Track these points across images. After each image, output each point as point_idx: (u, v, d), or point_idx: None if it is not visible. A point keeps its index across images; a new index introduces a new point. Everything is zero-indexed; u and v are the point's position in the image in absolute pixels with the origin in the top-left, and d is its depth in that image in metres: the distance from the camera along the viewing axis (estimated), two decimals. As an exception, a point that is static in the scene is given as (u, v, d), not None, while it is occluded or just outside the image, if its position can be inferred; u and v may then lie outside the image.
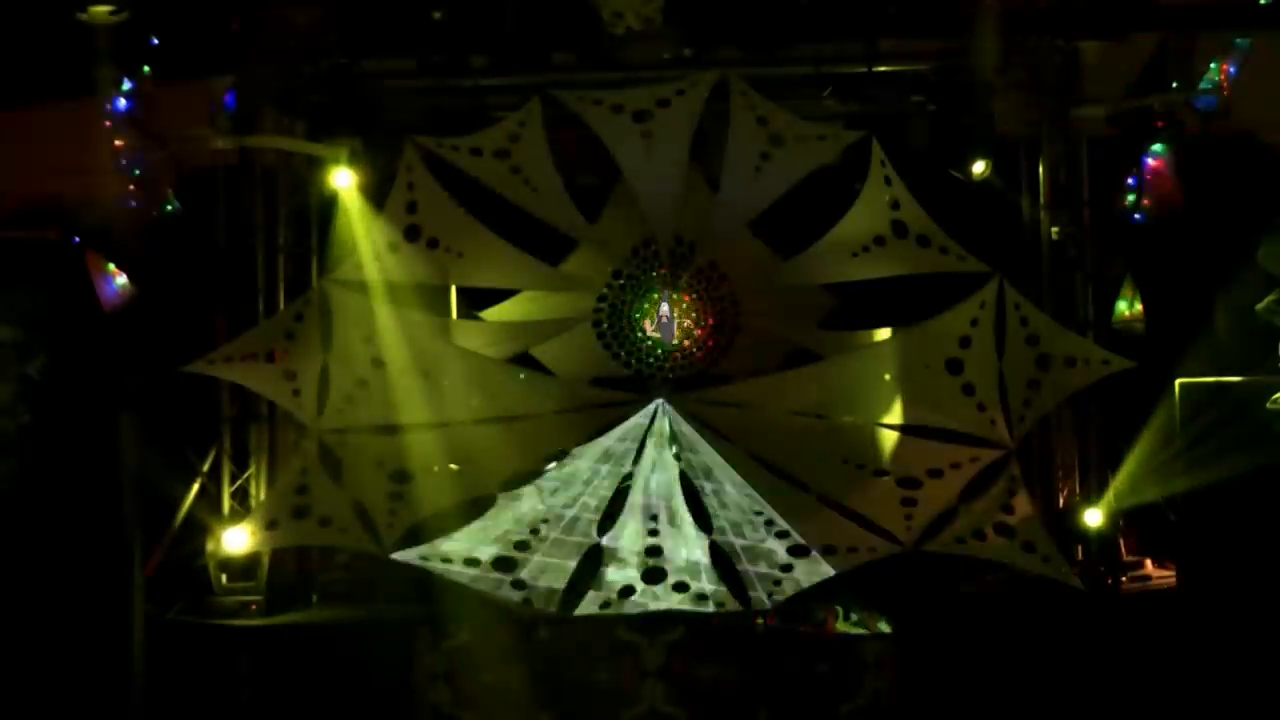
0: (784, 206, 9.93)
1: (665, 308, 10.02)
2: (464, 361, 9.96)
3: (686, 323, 10.07)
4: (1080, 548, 9.95)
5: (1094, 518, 9.88)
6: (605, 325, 10.00)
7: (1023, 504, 9.54)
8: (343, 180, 10.01)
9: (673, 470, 9.83)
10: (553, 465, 9.92)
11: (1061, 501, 10.25)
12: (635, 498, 9.79)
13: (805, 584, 9.52)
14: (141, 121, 9.85)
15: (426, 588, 9.63)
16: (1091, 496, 10.12)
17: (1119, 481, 9.76)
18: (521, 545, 9.67)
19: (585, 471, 9.83)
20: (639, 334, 10.04)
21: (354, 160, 10.02)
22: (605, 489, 9.79)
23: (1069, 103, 10.21)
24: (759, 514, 9.72)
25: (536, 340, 10.26)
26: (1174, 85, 10.01)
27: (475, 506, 9.83)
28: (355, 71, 10.22)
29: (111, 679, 9.01)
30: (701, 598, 9.53)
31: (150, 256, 10.05)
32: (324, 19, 9.96)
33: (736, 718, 9.12)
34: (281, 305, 10.40)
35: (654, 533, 9.71)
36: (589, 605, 9.48)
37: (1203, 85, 9.83)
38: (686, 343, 10.07)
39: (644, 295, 10.07)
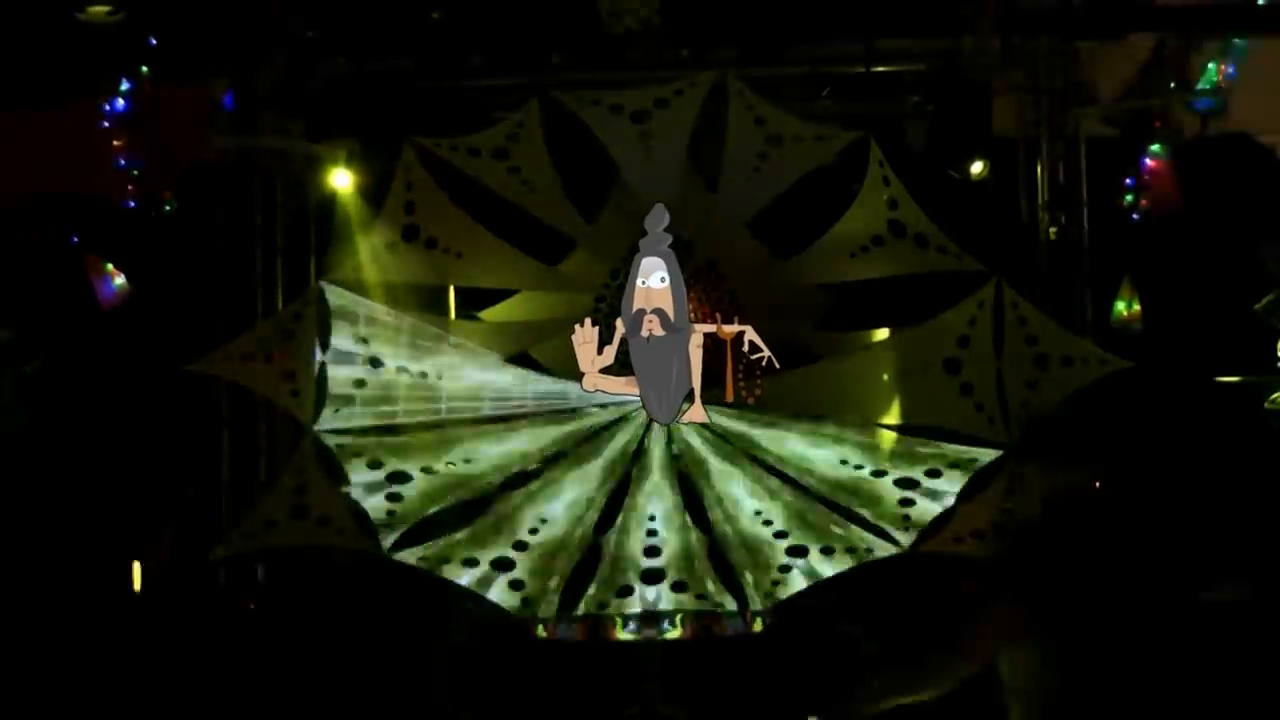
0: (782, 206, 9.94)
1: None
2: (463, 361, 9.97)
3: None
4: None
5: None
6: (604, 325, 10.00)
7: (1021, 504, 9.54)
8: (341, 181, 10.03)
9: (672, 470, 9.82)
10: (552, 465, 9.91)
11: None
12: (634, 497, 9.79)
13: (803, 584, 9.55)
14: (141, 121, 9.86)
15: (426, 587, 9.63)
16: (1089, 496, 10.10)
17: None
18: (520, 545, 9.67)
19: (584, 471, 9.82)
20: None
21: (352, 161, 10.04)
22: (604, 488, 9.78)
23: (1068, 103, 10.20)
24: (758, 514, 9.72)
25: (535, 340, 10.24)
26: (1172, 86, 10.01)
27: (474, 506, 9.84)
28: (354, 71, 10.22)
29: (111, 679, 9.01)
30: (700, 598, 9.54)
31: (150, 256, 10.05)
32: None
33: (735, 718, 9.13)
34: (280, 305, 10.41)
35: (653, 533, 9.71)
36: (588, 605, 9.49)
37: (1201, 86, 9.84)
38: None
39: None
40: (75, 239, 9.91)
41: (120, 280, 9.86)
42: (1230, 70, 9.78)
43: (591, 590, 9.54)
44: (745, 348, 9.56)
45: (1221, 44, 9.87)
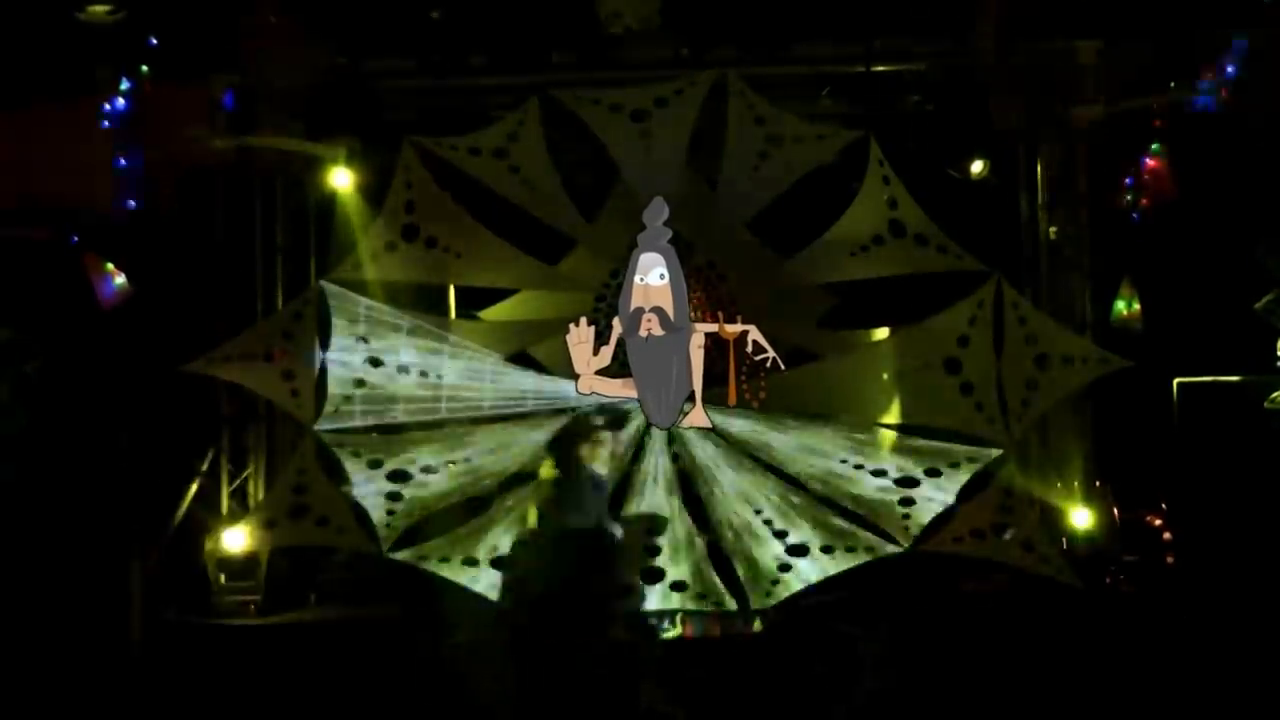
0: (783, 206, 9.95)
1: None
2: (462, 361, 9.97)
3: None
4: (1077, 546, 9.95)
5: (1090, 517, 9.89)
6: (603, 325, 10.00)
7: (1021, 503, 9.55)
8: (341, 180, 10.05)
9: (672, 470, 9.82)
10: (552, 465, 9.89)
11: (1059, 501, 10.24)
12: (634, 497, 9.78)
13: (803, 584, 9.55)
14: (141, 121, 9.86)
15: (426, 588, 9.63)
16: (1089, 496, 10.11)
17: None
18: (520, 544, 9.65)
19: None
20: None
21: (352, 160, 10.05)
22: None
23: (1068, 103, 10.20)
24: (758, 513, 9.72)
25: (535, 340, 10.25)
26: (1172, 85, 10.01)
27: (474, 506, 9.83)
28: (354, 71, 10.22)
29: (111, 679, 9.00)
30: (700, 597, 9.54)
31: (149, 256, 10.05)
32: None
33: (734, 718, 9.12)
34: (280, 305, 10.43)
35: (652, 532, 9.70)
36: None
37: (1200, 85, 9.84)
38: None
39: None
40: (75, 239, 9.89)
41: (120, 280, 9.85)
42: (1230, 69, 9.78)
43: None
44: (749, 348, 9.58)
45: (1221, 43, 9.86)
